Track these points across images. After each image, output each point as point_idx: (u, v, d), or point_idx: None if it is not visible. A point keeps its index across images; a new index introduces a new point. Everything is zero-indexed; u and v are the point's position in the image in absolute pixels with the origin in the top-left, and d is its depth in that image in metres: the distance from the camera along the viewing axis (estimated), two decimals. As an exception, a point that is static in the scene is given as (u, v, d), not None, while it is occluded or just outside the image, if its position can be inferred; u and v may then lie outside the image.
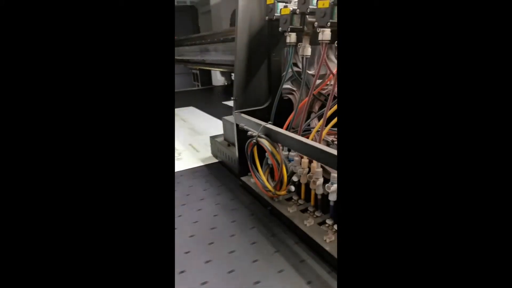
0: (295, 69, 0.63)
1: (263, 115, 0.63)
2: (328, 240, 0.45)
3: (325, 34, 0.48)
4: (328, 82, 0.63)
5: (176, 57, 2.46)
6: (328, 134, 0.66)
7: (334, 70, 0.58)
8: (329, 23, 0.46)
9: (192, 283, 0.41)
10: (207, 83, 2.56)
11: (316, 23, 0.46)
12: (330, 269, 0.42)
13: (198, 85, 2.58)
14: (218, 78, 2.55)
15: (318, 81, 0.65)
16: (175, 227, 0.54)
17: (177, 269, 0.44)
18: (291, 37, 0.55)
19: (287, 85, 0.71)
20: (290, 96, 0.71)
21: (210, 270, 0.43)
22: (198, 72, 2.57)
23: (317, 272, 0.42)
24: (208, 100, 1.88)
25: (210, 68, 2.21)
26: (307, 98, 0.58)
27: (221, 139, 0.80)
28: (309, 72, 0.68)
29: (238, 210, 0.58)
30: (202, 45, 1.92)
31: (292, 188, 0.53)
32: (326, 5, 0.46)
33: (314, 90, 0.62)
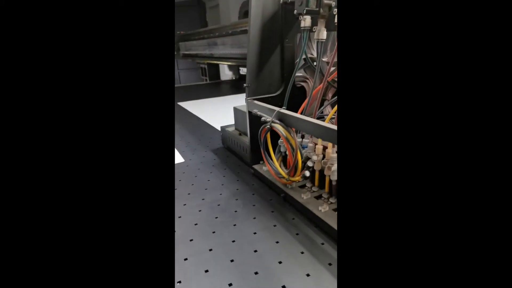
0: (309, 55, 0.62)
1: (275, 103, 0.62)
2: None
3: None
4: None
5: (184, 52, 2.46)
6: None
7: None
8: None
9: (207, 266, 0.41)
10: (215, 77, 2.56)
11: (333, 3, 0.45)
12: (303, 216, 0.43)
13: (206, 80, 2.58)
14: (226, 73, 2.54)
15: (332, 68, 0.65)
16: (192, 214, 0.54)
17: (197, 248, 0.44)
18: (306, 21, 0.54)
19: (300, 73, 0.70)
20: (303, 83, 0.70)
21: (235, 248, 0.43)
22: (206, 66, 2.57)
23: (287, 216, 0.43)
24: (216, 94, 1.88)
25: (218, 62, 2.21)
26: (321, 85, 0.57)
27: (232, 128, 0.79)
28: (323, 59, 0.67)
29: (252, 197, 0.58)
30: (210, 39, 1.91)
31: (307, 173, 0.52)
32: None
33: (328, 77, 0.61)
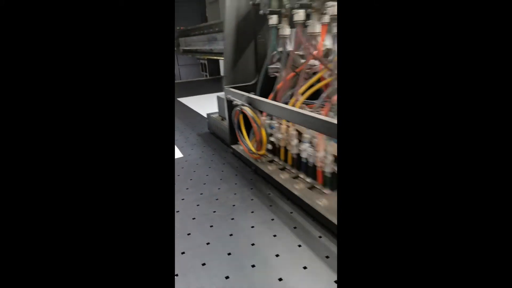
0: (281, 49, 0.71)
1: (250, 90, 0.72)
2: (298, 187, 0.53)
3: (299, 15, 0.56)
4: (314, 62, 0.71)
5: (184, 48, 2.52)
6: (310, 107, 0.74)
7: (315, 51, 0.66)
8: (297, 4, 0.53)
9: (182, 229, 0.51)
10: (215, 73, 2.58)
11: (296, 4, 0.54)
12: (300, 210, 0.51)
13: (206, 75, 2.64)
14: (224, 68, 2.59)
15: (303, 60, 0.73)
16: (190, 209, 0.55)
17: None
18: (273, 19, 0.63)
19: (276, 65, 0.79)
20: (277, 74, 0.79)
21: (200, 208, 0.53)
22: (206, 62, 2.62)
23: (285, 209, 0.51)
24: (216, 89, 1.95)
25: (218, 58, 2.26)
26: (287, 76, 0.66)
27: (216, 115, 0.89)
28: (297, 52, 0.75)
29: (229, 171, 0.68)
30: (209, 34, 1.95)
31: (269, 146, 0.61)
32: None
33: (297, 68, 0.70)
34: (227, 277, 0.38)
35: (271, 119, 0.66)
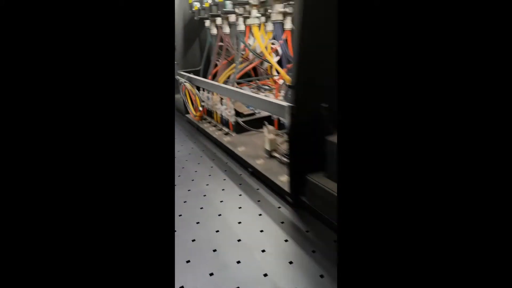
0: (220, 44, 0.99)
1: (197, 74, 1.00)
2: (226, 140, 0.80)
3: (218, 20, 0.84)
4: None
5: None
6: (241, 86, 1.03)
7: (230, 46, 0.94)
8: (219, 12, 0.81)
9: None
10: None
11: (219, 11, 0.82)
12: (228, 158, 0.79)
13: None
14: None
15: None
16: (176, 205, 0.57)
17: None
18: (207, 23, 0.91)
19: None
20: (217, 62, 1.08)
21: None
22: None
23: (218, 156, 0.79)
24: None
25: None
26: (224, 62, 0.94)
27: (178, 95, 1.17)
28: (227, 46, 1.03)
29: (181, 131, 0.96)
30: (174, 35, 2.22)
31: (201, 108, 0.90)
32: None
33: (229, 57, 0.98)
34: (211, 274, 0.38)
35: (208, 93, 0.94)
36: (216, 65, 0.94)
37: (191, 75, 0.89)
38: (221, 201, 0.54)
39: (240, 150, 0.69)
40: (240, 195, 0.55)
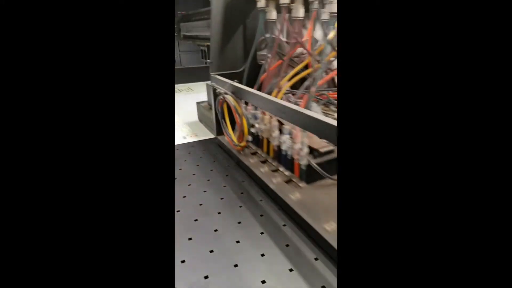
0: (273, 36, 0.67)
1: (239, 79, 0.69)
2: (294, 198, 0.49)
3: (285, -1, 0.53)
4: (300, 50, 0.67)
5: (184, 33, 2.48)
6: (298, 98, 0.72)
7: (302, 38, 0.62)
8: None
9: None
10: (215, 60, 2.55)
11: None
12: (277, 207, 0.49)
13: (206, 62, 2.60)
14: (225, 55, 2.55)
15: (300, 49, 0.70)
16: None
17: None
18: (261, 1, 0.60)
19: (264, 52, 0.75)
20: (263, 62, 0.76)
21: (185, 204, 0.52)
22: (206, 49, 2.58)
23: (269, 206, 0.49)
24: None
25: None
26: (279, 62, 0.63)
27: (205, 103, 0.86)
28: (283, 39, 0.72)
29: (214, 163, 0.66)
30: (210, 19, 1.90)
31: (250, 137, 0.59)
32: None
33: (285, 56, 0.67)
34: (183, 261, 0.37)
35: (256, 109, 0.64)
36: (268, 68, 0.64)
37: (237, 84, 0.58)
38: None
39: (329, 230, 0.39)
40: None
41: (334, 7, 0.47)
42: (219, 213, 0.48)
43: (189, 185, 0.56)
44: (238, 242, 0.42)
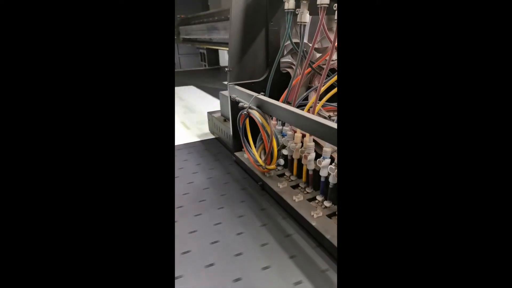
0: (295, 40, 0.59)
1: (259, 88, 0.60)
2: (316, 216, 0.43)
3: (324, -2, 0.45)
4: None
5: (184, 36, 2.42)
6: (327, 110, 0.64)
7: (335, 41, 0.54)
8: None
9: (176, 250, 0.41)
10: (214, 63, 2.52)
11: None
12: (316, 244, 0.41)
13: (205, 65, 2.55)
14: (225, 58, 2.51)
15: (319, 54, 0.62)
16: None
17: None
18: (290, 3, 0.52)
19: (287, 58, 0.67)
20: (289, 69, 0.68)
21: (194, 240, 0.43)
22: (205, 51, 2.53)
23: (302, 246, 0.41)
24: (213, 80, 1.86)
25: (217, 47, 2.17)
26: (301, 73, 0.55)
27: (218, 114, 0.78)
28: (310, 44, 0.64)
29: (230, 184, 0.57)
30: (209, 23, 1.87)
31: (282, 161, 0.51)
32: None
33: (314, 63, 0.59)
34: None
35: (283, 124, 0.55)
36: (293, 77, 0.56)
37: (263, 97, 0.50)
38: None
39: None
40: None
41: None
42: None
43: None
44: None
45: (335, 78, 0.53)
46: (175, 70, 2.40)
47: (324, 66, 0.62)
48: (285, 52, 0.66)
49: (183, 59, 3.05)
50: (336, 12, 0.47)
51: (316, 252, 0.40)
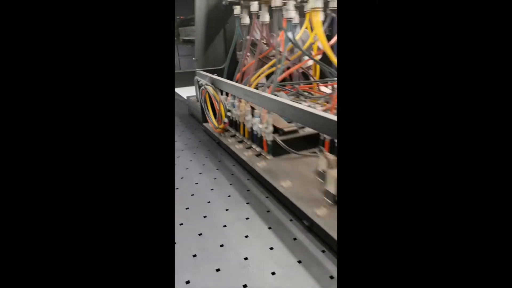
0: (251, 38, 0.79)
1: (220, 75, 0.80)
2: (247, 154, 0.62)
3: (254, 5, 0.64)
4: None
5: (183, 38, 2.57)
6: (278, 90, 0.83)
7: (273, 39, 0.74)
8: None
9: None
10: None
11: None
12: (249, 176, 0.60)
13: (193, 59, 2.65)
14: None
15: (266, 48, 0.81)
16: None
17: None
18: (237, 9, 0.71)
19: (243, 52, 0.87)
20: (244, 60, 0.88)
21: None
22: None
23: (238, 175, 0.60)
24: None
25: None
26: (253, 61, 0.74)
27: (194, 98, 0.98)
28: (263, 41, 0.83)
29: (198, 147, 0.77)
30: (195, 24, 1.97)
31: (226, 119, 0.70)
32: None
33: (260, 55, 0.78)
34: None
35: (234, 99, 0.75)
36: (244, 64, 0.75)
37: (215, 76, 0.70)
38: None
39: (285, 187, 0.50)
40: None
41: (290, 14, 0.58)
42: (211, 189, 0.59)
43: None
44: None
45: (268, 65, 0.72)
46: (175, 71, 2.52)
47: (273, 57, 0.82)
48: (244, 47, 0.86)
49: (183, 60, 3.19)
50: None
51: (248, 180, 0.59)
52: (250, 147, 0.67)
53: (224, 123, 0.69)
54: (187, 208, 0.50)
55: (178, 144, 0.77)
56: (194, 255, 0.39)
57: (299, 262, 0.37)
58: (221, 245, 0.40)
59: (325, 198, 0.45)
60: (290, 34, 0.61)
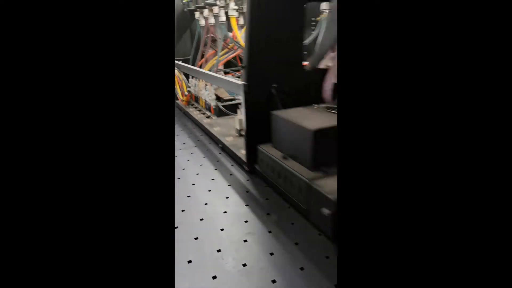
0: (212, 35, 1.05)
1: (188, 62, 1.07)
2: (206, 121, 0.88)
3: (205, 12, 0.90)
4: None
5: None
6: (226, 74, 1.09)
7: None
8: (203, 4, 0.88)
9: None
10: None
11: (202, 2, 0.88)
12: (207, 137, 0.86)
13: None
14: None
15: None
16: None
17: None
18: (197, 14, 0.98)
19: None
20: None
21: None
22: None
23: (197, 135, 0.87)
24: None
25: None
26: (212, 52, 1.01)
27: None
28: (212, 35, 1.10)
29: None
30: None
31: (186, 93, 0.97)
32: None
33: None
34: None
35: (196, 80, 1.02)
36: (203, 55, 1.01)
37: (179, 62, 0.97)
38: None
39: (215, 130, 0.77)
40: (216, 165, 0.63)
41: (222, 18, 0.85)
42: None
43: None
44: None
45: (217, 56, 0.98)
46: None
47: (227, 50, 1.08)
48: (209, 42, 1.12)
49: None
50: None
51: (205, 138, 0.86)
52: (204, 113, 0.93)
53: (186, 95, 0.95)
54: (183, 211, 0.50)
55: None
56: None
57: (270, 232, 0.43)
58: (201, 219, 0.46)
59: (234, 133, 0.72)
60: (222, 32, 0.88)
